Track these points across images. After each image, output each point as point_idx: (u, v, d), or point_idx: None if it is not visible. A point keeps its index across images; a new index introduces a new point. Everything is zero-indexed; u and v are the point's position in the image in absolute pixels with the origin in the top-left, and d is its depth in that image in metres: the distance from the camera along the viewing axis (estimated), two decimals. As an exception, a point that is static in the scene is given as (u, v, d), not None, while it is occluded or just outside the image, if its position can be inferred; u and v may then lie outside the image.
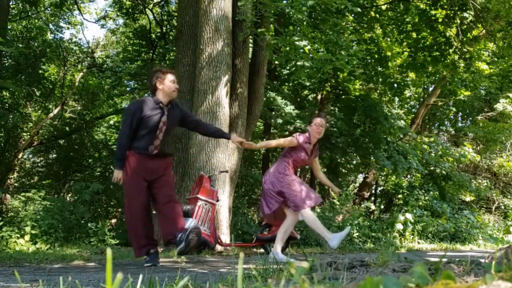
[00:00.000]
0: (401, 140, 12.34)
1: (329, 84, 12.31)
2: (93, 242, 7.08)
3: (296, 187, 4.53)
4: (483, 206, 15.73)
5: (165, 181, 4.07)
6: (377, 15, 10.92)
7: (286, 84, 12.28)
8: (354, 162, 12.51)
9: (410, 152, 11.13)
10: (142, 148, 3.91)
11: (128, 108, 4.12)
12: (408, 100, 16.25)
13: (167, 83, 3.95)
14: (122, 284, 2.00)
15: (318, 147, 4.97)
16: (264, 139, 12.50)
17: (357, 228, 9.41)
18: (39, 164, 14.44)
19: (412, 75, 12.55)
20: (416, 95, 15.95)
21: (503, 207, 15.54)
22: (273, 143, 5.07)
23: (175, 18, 12.94)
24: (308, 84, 11.95)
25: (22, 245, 6.40)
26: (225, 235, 6.25)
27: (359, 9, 6.62)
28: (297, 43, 6.16)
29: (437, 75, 12.16)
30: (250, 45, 8.39)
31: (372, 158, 11.16)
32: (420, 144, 12.29)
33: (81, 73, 14.26)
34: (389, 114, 11.06)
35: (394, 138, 11.39)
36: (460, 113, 17.16)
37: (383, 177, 14.71)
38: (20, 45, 11.55)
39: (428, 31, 10.29)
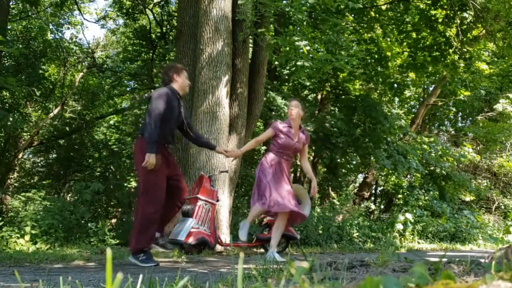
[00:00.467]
0: (401, 140, 12.34)
1: (329, 84, 12.31)
2: (93, 242, 7.07)
3: (264, 182, 4.58)
4: (483, 206, 15.73)
5: (182, 183, 4.13)
6: (377, 15, 10.92)
7: (286, 84, 12.28)
8: (354, 162, 12.51)
9: (410, 152, 11.14)
10: (163, 138, 3.86)
11: (160, 93, 3.88)
12: (408, 100, 16.25)
13: (184, 77, 4.12)
14: (122, 284, 2.00)
15: (306, 131, 4.97)
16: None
17: (357, 228, 9.41)
18: (39, 164, 14.44)
19: (412, 75, 12.55)
20: (416, 95, 15.95)
21: (503, 207, 15.54)
22: (254, 141, 5.02)
23: (175, 18, 12.93)
24: (308, 84, 11.95)
25: (22, 245, 6.40)
26: (225, 235, 6.25)
27: (360, 5, 6.60)
28: (297, 43, 6.15)
29: (437, 75, 12.16)
30: (250, 45, 8.39)
31: (372, 158, 11.16)
32: (420, 143, 12.30)
33: (81, 73, 14.26)
34: (389, 114, 11.06)
35: (393, 138, 11.39)
36: (460, 113, 17.16)
37: (383, 177, 14.72)
38: (20, 46, 11.56)
39: (428, 31, 10.29)
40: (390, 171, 11.39)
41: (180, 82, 4.08)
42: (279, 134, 4.71)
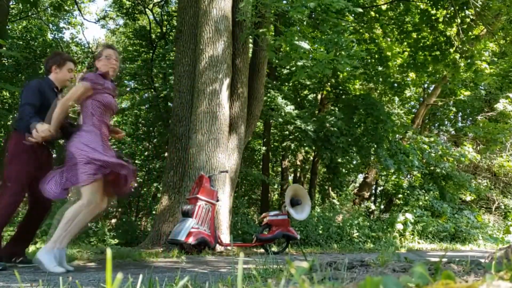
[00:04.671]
0: (401, 139, 12.34)
1: (329, 84, 12.31)
2: (93, 242, 7.07)
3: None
4: (483, 206, 15.73)
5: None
6: (377, 15, 10.92)
7: (286, 84, 12.29)
8: (354, 162, 12.51)
9: (411, 152, 11.15)
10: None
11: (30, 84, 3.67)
12: (408, 100, 16.26)
13: (65, 71, 3.83)
14: (122, 284, 1.99)
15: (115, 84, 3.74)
16: (264, 140, 12.51)
17: (357, 228, 9.41)
18: (39, 164, 14.42)
19: (412, 75, 12.56)
20: (416, 95, 15.95)
21: (503, 207, 15.53)
22: (59, 109, 3.40)
23: (175, 18, 12.94)
24: (308, 83, 11.95)
25: (22, 245, 6.38)
26: (225, 235, 6.25)
27: (360, 10, 6.60)
28: (297, 43, 6.15)
29: (437, 75, 12.17)
30: (250, 45, 8.39)
31: (374, 158, 11.14)
32: (420, 143, 12.30)
33: (81, 73, 14.24)
34: (392, 112, 11.08)
35: (393, 137, 11.38)
36: (460, 113, 17.16)
37: (383, 177, 14.71)
38: (20, 43, 11.56)
39: (429, 30, 10.29)
40: (391, 171, 11.37)
41: (60, 75, 3.79)
42: (101, 92, 3.42)
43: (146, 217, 14.18)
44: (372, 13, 10.88)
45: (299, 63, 6.22)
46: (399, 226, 10.21)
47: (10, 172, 3.41)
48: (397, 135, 11.82)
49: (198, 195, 5.36)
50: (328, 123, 10.28)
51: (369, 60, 11.64)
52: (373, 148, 10.58)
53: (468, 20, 9.28)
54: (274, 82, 11.07)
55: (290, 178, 15.93)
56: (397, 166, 10.50)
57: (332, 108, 11.94)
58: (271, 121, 11.07)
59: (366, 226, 9.71)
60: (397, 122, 10.87)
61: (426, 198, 11.86)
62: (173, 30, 12.81)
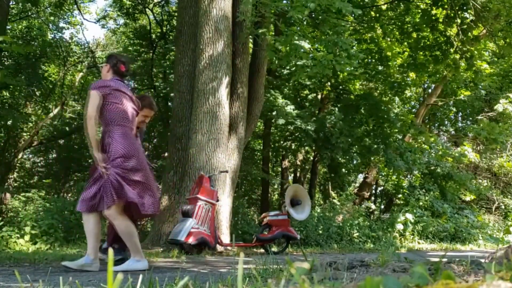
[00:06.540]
0: (403, 138, 12.34)
1: (329, 84, 12.31)
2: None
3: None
4: (483, 206, 15.72)
5: None
6: (377, 15, 10.91)
7: (286, 84, 12.29)
8: (354, 161, 12.51)
9: (415, 151, 11.14)
10: None
11: None
12: (408, 100, 16.25)
13: (140, 116, 4.05)
14: (122, 284, 1.99)
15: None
16: (263, 140, 12.50)
17: (357, 228, 9.40)
18: (39, 164, 14.44)
19: (412, 75, 12.55)
20: (416, 95, 15.95)
21: (503, 207, 15.53)
22: (88, 126, 3.25)
23: (175, 18, 12.94)
24: (308, 83, 11.95)
25: (22, 245, 6.40)
26: (225, 235, 6.25)
27: (360, 11, 6.59)
28: (297, 42, 6.14)
29: (438, 75, 12.16)
30: (250, 45, 8.39)
31: (382, 158, 11.08)
32: (420, 143, 12.30)
33: (81, 73, 14.26)
34: (398, 111, 11.06)
35: (396, 138, 11.36)
36: (460, 113, 17.16)
37: (383, 177, 14.71)
38: (20, 43, 11.56)
39: (429, 30, 10.28)
40: (403, 171, 11.31)
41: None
42: (122, 97, 3.33)
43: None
44: (372, 13, 10.86)
45: (299, 63, 6.21)
46: (399, 226, 10.20)
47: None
48: (398, 135, 11.80)
49: (198, 195, 5.36)
50: (329, 123, 10.27)
51: (369, 60, 11.63)
52: (382, 149, 10.49)
53: (468, 20, 9.27)
54: (274, 82, 11.06)
55: (290, 178, 15.93)
56: (407, 166, 10.45)
57: (332, 108, 11.93)
58: (272, 120, 11.05)
59: (366, 226, 9.70)
60: (405, 121, 10.82)
61: (427, 198, 11.85)
62: (173, 30, 12.81)
